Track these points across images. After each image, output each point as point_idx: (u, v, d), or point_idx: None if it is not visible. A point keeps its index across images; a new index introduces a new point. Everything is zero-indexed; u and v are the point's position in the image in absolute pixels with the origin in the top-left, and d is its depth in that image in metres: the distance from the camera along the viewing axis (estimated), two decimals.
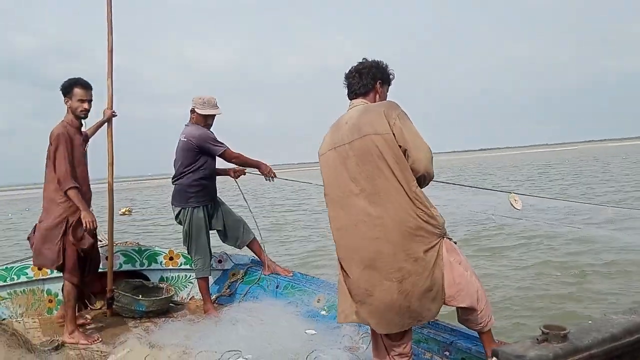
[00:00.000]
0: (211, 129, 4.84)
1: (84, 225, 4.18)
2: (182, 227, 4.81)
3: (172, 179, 4.82)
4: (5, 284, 4.86)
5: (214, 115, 4.82)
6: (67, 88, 4.30)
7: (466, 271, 2.62)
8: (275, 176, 4.99)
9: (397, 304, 2.52)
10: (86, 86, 4.34)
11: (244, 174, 5.16)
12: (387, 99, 2.85)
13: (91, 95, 4.38)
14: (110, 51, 4.80)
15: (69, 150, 4.20)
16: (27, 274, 4.86)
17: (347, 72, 2.86)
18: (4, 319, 4.65)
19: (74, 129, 4.33)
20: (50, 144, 4.22)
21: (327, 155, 2.74)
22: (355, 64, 2.85)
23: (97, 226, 4.34)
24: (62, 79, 4.37)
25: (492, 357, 1.31)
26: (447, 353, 3.18)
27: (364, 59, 2.86)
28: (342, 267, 2.72)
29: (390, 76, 2.88)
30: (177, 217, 4.84)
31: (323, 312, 4.26)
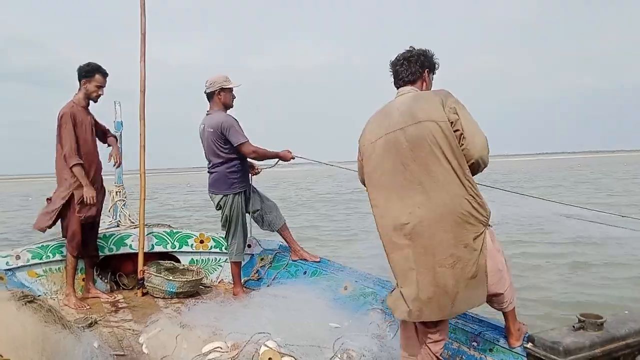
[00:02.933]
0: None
1: (84, 199, 4.59)
2: (221, 212, 4.83)
3: (208, 167, 4.82)
4: (41, 261, 4.99)
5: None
6: (90, 72, 4.68)
7: (494, 258, 2.62)
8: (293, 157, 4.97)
9: (450, 289, 2.52)
10: (106, 74, 4.77)
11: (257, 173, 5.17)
12: (433, 88, 2.86)
13: (106, 83, 4.79)
14: (143, 34, 4.99)
15: (74, 128, 4.57)
16: (62, 252, 4.97)
17: (393, 60, 2.84)
18: (39, 296, 4.78)
19: (81, 108, 4.71)
20: (57, 123, 4.58)
21: (377, 143, 2.69)
22: (402, 52, 2.84)
23: (96, 201, 4.71)
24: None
25: (528, 342, 1.31)
26: (474, 344, 3.17)
27: (411, 47, 2.83)
28: (391, 256, 2.68)
29: (436, 65, 2.88)
30: (217, 203, 4.82)
31: (349, 300, 4.29)
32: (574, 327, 1.35)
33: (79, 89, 4.74)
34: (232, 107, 4.83)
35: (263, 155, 4.78)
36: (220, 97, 4.71)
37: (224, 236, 4.98)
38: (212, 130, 4.65)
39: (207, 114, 4.79)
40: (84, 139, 4.69)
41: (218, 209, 4.84)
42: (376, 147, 2.69)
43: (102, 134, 5.04)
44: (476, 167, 2.59)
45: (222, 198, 4.76)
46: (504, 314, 2.84)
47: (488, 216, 2.59)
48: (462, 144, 2.52)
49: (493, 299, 2.73)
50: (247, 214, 4.92)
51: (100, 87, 4.74)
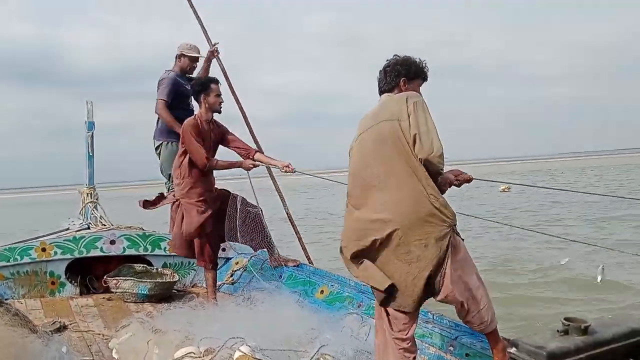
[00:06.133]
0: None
1: None
2: None
3: None
4: (8, 264, 4.86)
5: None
6: (204, 85, 4.52)
7: (463, 270, 2.63)
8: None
9: (403, 284, 2.57)
10: (219, 82, 4.64)
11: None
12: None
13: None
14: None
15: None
16: (30, 255, 4.85)
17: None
18: (6, 299, 4.65)
19: (204, 122, 4.55)
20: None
21: (352, 146, 2.87)
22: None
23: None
24: None
25: (512, 347, 1.29)
26: (451, 348, 3.17)
27: (395, 55, 2.93)
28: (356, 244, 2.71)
29: (424, 70, 2.92)
30: None
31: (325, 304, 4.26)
32: (558, 331, 1.33)
33: (200, 105, 4.56)
34: (189, 73, 5.80)
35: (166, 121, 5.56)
36: (180, 60, 5.74)
37: None
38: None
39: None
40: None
41: None
42: (352, 149, 2.86)
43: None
44: (428, 167, 2.60)
45: None
46: (486, 335, 2.77)
47: (452, 217, 2.61)
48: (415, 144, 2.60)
49: (469, 319, 2.68)
50: None
51: (219, 95, 4.56)
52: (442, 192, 2.72)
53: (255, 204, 4.81)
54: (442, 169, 2.66)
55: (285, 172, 4.68)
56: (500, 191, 24.40)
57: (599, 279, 3.49)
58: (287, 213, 5.47)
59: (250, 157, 4.65)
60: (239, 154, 4.70)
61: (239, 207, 4.64)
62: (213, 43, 5.67)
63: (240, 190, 4.85)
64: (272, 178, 5.50)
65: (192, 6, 5.76)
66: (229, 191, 4.74)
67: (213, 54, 5.69)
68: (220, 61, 5.62)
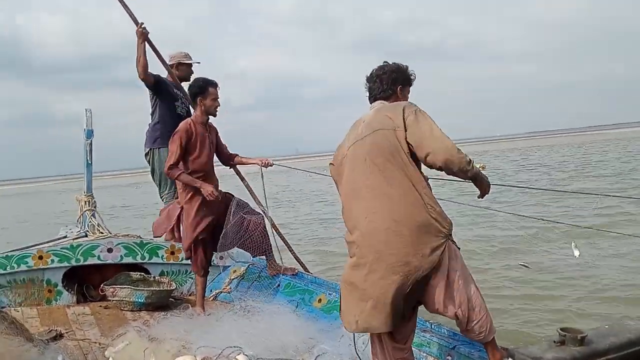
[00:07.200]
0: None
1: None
2: None
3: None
4: (5, 272, 4.84)
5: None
6: (203, 88, 4.46)
7: (461, 280, 2.60)
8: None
9: (399, 299, 2.53)
10: (217, 85, 4.54)
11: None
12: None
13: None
14: None
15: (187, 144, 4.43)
16: (27, 263, 4.83)
17: (368, 75, 2.91)
18: (2, 307, 4.63)
19: (199, 125, 4.51)
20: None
21: (347, 154, 2.79)
22: (375, 68, 2.90)
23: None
24: None
25: (508, 357, 1.29)
26: (449, 358, 3.15)
27: (384, 62, 2.91)
28: (351, 262, 2.70)
29: (411, 77, 2.92)
30: None
31: (324, 313, 4.24)
32: (554, 342, 1.33)
33: (196, 108, 4.55)
34: (188, 80, 5.29)
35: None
36: (177, 70, 5.48)
37: None
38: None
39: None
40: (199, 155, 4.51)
41: None
42: (345, 158, 2.79)
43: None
44: (446, 171, 2.55)
45: None
46: (484, 346, 2.74)
47: (449, 227, 2.58)
48: (422, 152, 2.52)
49: (465, 328, 2.65)
50: None
51: (216, 99, 4.51)
52: (482, 192, 2.70)
53: (258, 210, 4.83)
54: (467, 167, 2.50)
55: (265, 166, 4.90)
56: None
57: (576, 254, 3.57)
58: (272, 224, 5.22)
59: (231, 161, 4.90)
60: (219, 157, 4.83)
61: (232, 210, 4.61)
62: (139, 23, 5.06)
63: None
64: (247, 185, 5.46)
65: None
66: (232, 195, 4.71)
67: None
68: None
